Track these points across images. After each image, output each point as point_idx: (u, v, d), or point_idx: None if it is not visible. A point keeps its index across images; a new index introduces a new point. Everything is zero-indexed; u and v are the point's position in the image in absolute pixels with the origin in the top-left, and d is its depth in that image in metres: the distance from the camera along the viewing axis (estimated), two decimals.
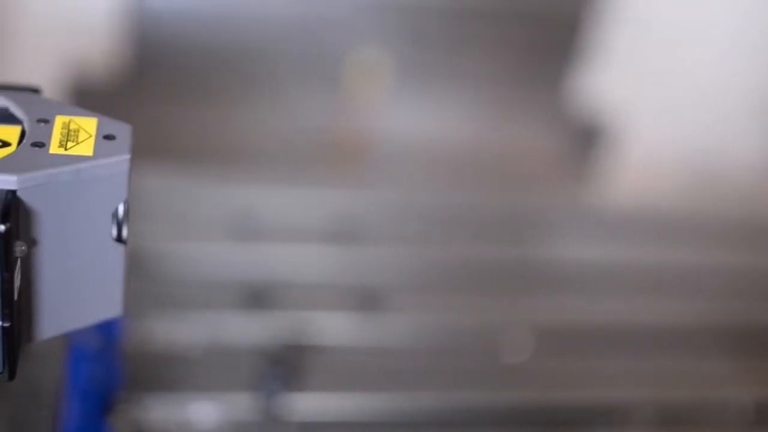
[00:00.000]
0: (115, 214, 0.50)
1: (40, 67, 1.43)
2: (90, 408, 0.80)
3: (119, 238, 0.51)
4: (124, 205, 0.50)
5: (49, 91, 0.55)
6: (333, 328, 1.01)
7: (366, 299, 1.05)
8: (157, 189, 1.11)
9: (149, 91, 1.43)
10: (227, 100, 1.46)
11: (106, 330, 0.83)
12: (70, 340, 0.79)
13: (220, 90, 1.47)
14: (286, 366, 0.93)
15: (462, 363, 1.01)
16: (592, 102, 1.58)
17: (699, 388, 1.03)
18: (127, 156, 0.49)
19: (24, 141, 0.49)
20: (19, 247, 0.46)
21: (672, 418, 0.98)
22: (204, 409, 0.89)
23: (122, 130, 0.51)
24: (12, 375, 0.48)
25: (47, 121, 0.50)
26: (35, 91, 0.53)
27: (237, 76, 1.49)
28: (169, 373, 0.91)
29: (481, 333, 1.05)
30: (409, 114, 1.54)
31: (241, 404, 0.90)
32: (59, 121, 0.50)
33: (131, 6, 1.44)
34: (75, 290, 0.51)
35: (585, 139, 1.57)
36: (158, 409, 0.88)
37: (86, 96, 1.35)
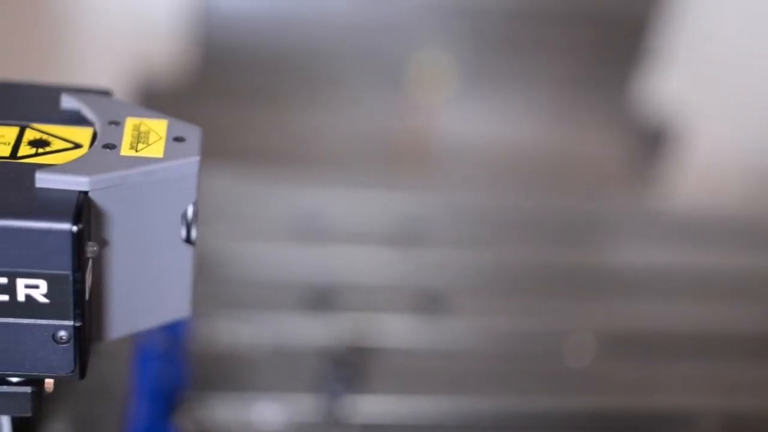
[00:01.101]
0: (184, 215, 0.50)
1: (108, 69, 1.44)
2: (156, 407, 0.81)
3: (188, 240, 0.51)
4: (194, 207, 0.50)
5: (116, 94, 0.56)
6: (396, 330, 1.01)
7: (429, 302, 1.05)
8: (222, 190, 1.11)
9: (215, 93, 1.45)
10: (291, 101, 1.47)
11: (173, 330, 0.84)
12: (137, 340, 0.80)
13: (285, 92, 1.48)
14: (349, 368, 0.93)
15: (524, 367, 1.00)
16: (656, 104, 1.57)
17: (766, 397, 1.01)
18: (197, 158, 0.49)
19: (95, 143, 0.49)
20: (91, 248, 0.46)
21: (737, 426, 0.97)
22: (267, 410, 0.89)
23: (192, 132, 0.51)
24: (83, 374, 0.48)
25: (118, 123, 0.51)
26: (107, 93, 0.54)
27: (301, 78, 1.50)
28: (233, 374, 0.92)
29: (543, 337, 1.04)
30: (472, 116, 1.54)
31: (304, 405, 0.90)
32: (130, 123, 0.51)
33: (198, 9, 1.45)
34: (144, 291, 0.51)
35: (648, 142, 1.55)
36: (222, 409, 0.88)
37: (153, 98, 1.36)
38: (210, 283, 1.01)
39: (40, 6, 1.48)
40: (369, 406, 0.91)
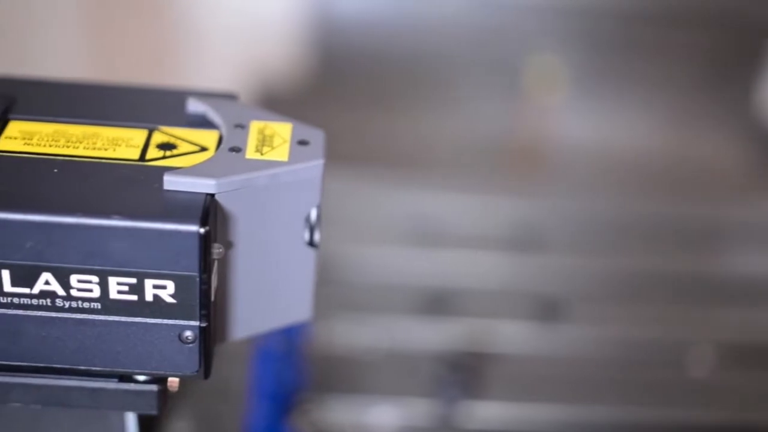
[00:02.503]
0: (307, 218, 0.51)
1: (226, 73, 1.47)
2: (274, 408, 0.82)
3: (311, 243, 0.51)
4: (317, 210, 0.51)
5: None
6: (511, 336, 1.01)
7: (544, 308, 1.04)
8: (339, 193, 1.12)
9: (330, 96, 1.45)
10: (406, 105, 1.47)
11: (291, 332, 0.85)
12: (256, 342, 0.81)
13: (399, 95, 1.48)
14: (464, 373, 0.92)
15: (643, 376, 0.98)
16: None
17: None
18: (322, 161, 0.50)
19: (221, 146, 0.50)
20: (216, 250, 0.47)
21: None
22: (383, 413, 0.89)
23: (316, 136, 0.51)
24: (207, 373, 0.49)
25: (243, 127, 0.51)
26: (232, 96, 0.55)
27: (415, 81, 1.50)
28: (349, 376, 0.92)
29: (662, 345, 1.02)
30: (587, 120, 1.52)
31: (419, 409, 0.90)
32: (255, 126, 0.51)
33: (314, 12, 1.47)
34: (267, 293, 0.52)
35: None
36: (338, 411, 0.89)
37: (269, 101, 1.38)
38: (326, 285, 1.02)
39: (159, 12, 1.51)
40: (484, 412, 0.91)
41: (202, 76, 1.49)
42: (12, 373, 0.48)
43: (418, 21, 1.51)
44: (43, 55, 1.42)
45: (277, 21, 1.48)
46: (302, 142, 0.51)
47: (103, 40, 1.49)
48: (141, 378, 0.49)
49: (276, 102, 1.37)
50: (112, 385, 0.49)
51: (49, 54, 1.42)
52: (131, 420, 0.53)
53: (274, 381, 0.82)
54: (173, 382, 0.50)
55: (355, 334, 0.97)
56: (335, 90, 1.47)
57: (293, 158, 0.49)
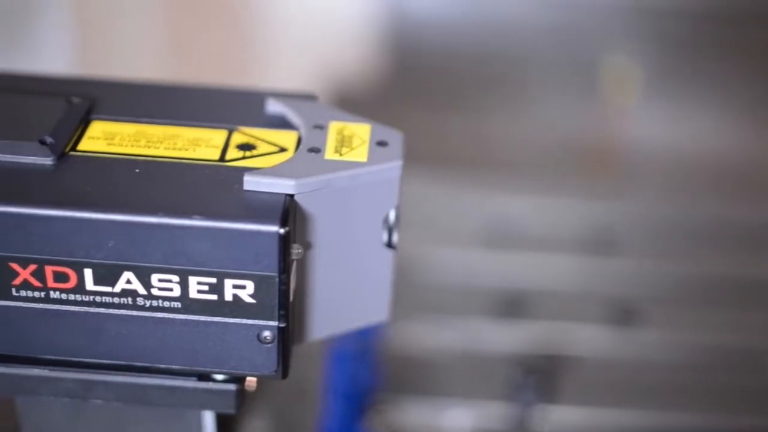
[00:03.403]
0: (386, 219, 0.51)
1: (301, 74, 1.47)
2: (349, 408, 0.82)
3: (389, 244, 0.51)
4: (396, 211, 0.50)
5: None
6: (587, 339, 1.00)
7: (620, 311, 1.03)
8: (413, 195, 1.12)
9: (404, 97, 1.46)
10: (479, 106, 1.47)
11: (365, 333, 0.85)
12: (331, 342, 0.81)
13: (473, 96, 1.48)
14: (539, 376, 0.92)
15: (719, 381, 0.97)
16: None
17: None
18: (400, 162, 0.49)
19: (300, 146, 0.50)
20: (296, 250, 0.47)
21: None
22: (457, 416, 0.89)
23: (394, 137, 0.51)
24: (285, 374, 0.49)
25: (322, 127, 0.51)
26: (311, 97, 0.55)
27: (489, 82, 1.50)
28: (424, 378, 0.92)
29: (740, 351, 1.01)
30: (663, 122, 1.50)
31: (493, 413, 0.90)
32: (334, 127, 0.51)
33: (388, 14, 1.47)
34: (345, 294, 0.52)
35: None
36: (413, 413, 0.89)
37: (344, 102, 1.38)
38: (402, 286, 1.02)
39: (236, 15, 1.53)
40: (560, 416, 0.90)
41: (277, 77, 1.50)
42: (94, 371, 0.49)
43: (493, 21, 1.50)
44: (124, 57, 1.44)
45: (352, 22, 1.49)
46: (381, 143, 0.50)
47: (181, 42, 1.51)
48: (219, 377, 0.49)
49: (350, 102, 1.37)
50: (191, 384, 0.49)
51: (130, 55, 1.44)
52: (209, 419, 0.53)
53: (348, 381, 0.83)
54: (251, 381, 0.50)
55: (431, 336, 0.97)
56: (409, 91, 1.47)
57: (372, 159, 0.49)
